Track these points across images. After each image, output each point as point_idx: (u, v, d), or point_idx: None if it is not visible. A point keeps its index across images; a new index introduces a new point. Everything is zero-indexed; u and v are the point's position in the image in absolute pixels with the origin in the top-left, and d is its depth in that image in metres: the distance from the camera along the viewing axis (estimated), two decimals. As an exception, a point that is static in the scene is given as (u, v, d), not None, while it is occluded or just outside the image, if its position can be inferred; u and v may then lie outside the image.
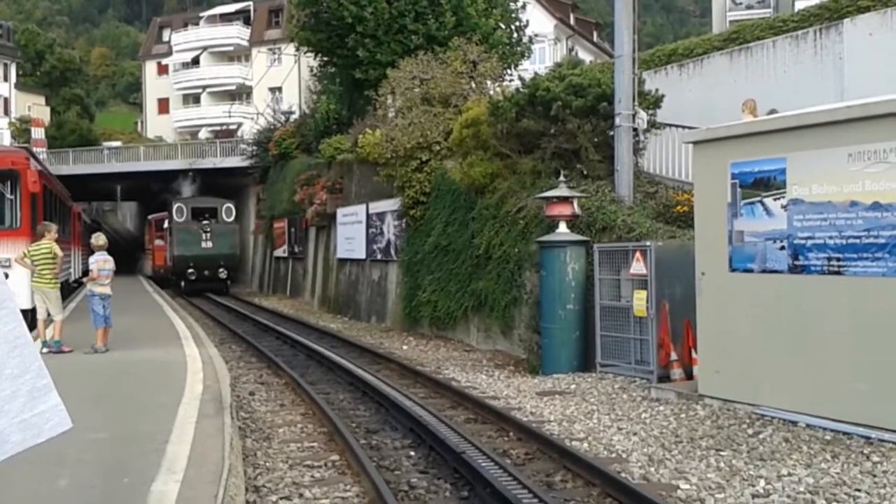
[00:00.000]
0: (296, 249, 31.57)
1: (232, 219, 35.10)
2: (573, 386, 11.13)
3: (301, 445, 8.56)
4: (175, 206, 34.44)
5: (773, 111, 13.66)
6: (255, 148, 38.67)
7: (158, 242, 39.20)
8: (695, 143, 9.69)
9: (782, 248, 8.46)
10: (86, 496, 5.30)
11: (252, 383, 12.61)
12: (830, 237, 8.05)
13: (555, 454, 7.77)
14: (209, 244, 33.75)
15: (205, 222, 33.92)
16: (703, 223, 9.41)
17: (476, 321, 16.42)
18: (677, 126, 14.02)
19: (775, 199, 8.52)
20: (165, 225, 36.30)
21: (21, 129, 54.50)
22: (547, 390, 11.00)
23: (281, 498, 6.67)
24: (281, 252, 33.70)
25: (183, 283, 33.62)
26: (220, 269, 34.07)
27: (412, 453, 8.26)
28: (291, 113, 39.35)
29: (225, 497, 5.27)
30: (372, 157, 20.49)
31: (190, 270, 33.48)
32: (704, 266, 9.33)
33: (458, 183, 16.87)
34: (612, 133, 13.52)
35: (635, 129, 13.38)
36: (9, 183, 15.09)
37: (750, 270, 8.78)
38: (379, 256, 21.95)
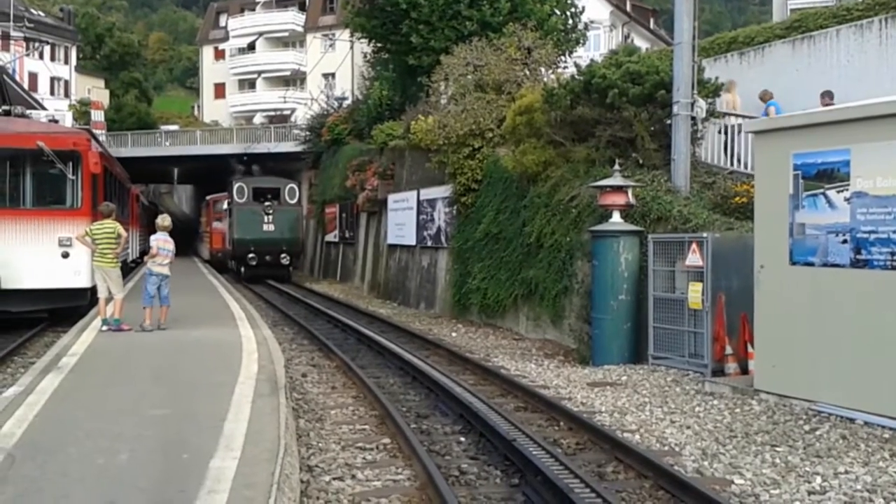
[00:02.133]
0: (346, 235, 31.80)
1: (295, 200, 32.91)
2: (624, 377, 11.05)
3: (353, 428, 8.65)
4: (236, 186, 32.23)
5: (765, 92, 14.28)
6: (308, 133, 38.95)
7: (217, 225, 37.14)
8: (756, 132, 9.52)
9: (844, 241, 8.28)
10: (146, 471, 5.42)
11: (304, 365, 12.76)
12: (895, 231, 7.86)
13: (606, 445, 7.73)
14: (271, 227, 31.42)
15: (267, 204, 31.59)
16: (763, 215, 9.24)
17: (526, 310, 16.38)
18: (736, 115, 13.78)
19: (838, 192, 8.34)
20: (225, 206, 34.44)
21: (81, 112, 55.67)
22: (598, 381, 10.94)
23: (334, 478, 6.75)
24: (332, 237, 33.94)
25: (243, 269, 31.70)
26: (283, 255, 31.59)
27: (462, 439, 8.28)
28: (344, 99, 39.57)
29: (281, 475, 5.35)
30: (424, 143, 20.49)
31: (251, 255, 31.18)
32: (764, 259, 9.17)
33: (511, 170, 16.81)
34: (669, 122, 13.34)
35: (693, 118, 13.19)
36: (70, 164, 15.42)
37: (811, 264, 8.61)
38: (429, 243, 22.01)
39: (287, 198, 32.49)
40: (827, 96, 13.58)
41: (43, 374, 8.80)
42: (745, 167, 13.29)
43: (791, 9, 28.11)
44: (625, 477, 7.00)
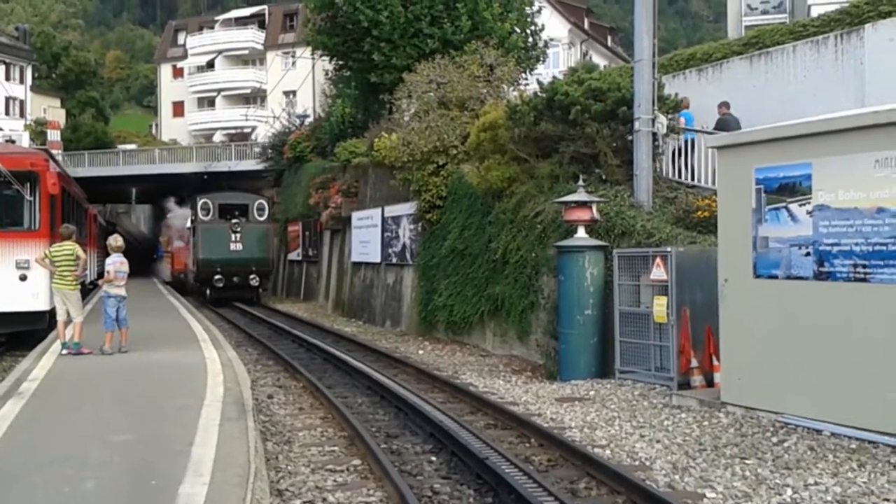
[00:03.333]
0: (310, 253, 31.58)
1: (265, 217, 30.58)
2: (592, 392, 11.08)
3: (322, 449, 8.54)
4: (200, 203, 30.06)
5: (684, 99, 14.90)
6: (269, 151, 38.76)
7: (178, 244, 35.05)
8: (719, 147, 9.64)
9: (807, 254, 8.40)
10: (114, 498, 5.29)
11: (270, 386, 12.60)
12: (857, 244, 7.99)
13: (577, 461, 7.73)
14: (239, 246, 29.38)
15: (234, 221, 29.46)
16: (726, 229, 9.35)
17: (492, 326, 16.38)
18: (696, 131, 13.97)
19: (800, 205, 8.46)
20: (188, 224, 32.26)
21: (37, 132, 54.79)
22: (566, 396, 10.95)
23: (304, 502, 6.66)
24: (295, 255, 33.68)
25: (208, 291, 29.63)
26: (252, 276, 29.58)
27: (433, 458, 8.23)
28: (306, 116, 39.44)
29: (252, 500, 5.25)
30: (388, 160, 20.49)
31: (217, 277, 29.15)
32: (728, 272, 9.27)
33: (475, 187, 16.85)
34: (630, 138, 13.48)
35: (654, 134, 13.33)
36: (28, 184, 15.12)
37: (774, 277, 8.72)
38: (394, 260, 21.95)
39: (255, 215, 30.42)
40: (724, 106, 14.31)
41: (3, 400, 8.58)
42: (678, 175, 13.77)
43: (746, 26, 28.72)
44: (597, 493, 7.00)
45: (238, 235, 29.50)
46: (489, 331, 16.51)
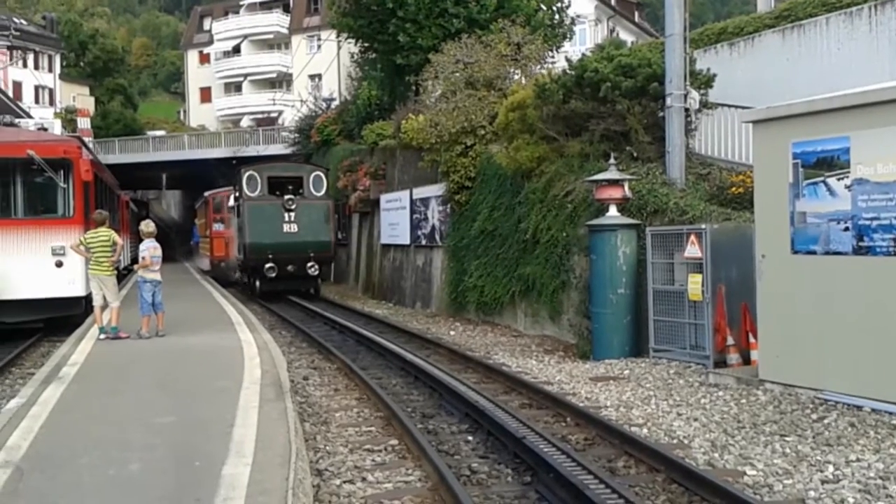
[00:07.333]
0: (339, 236, 31.62)
1: (322, 192, 25.17)
2: (626, 371, 11.04)
3: (359, 430, 8.60)
4: (246, 176, 24.53)
5: None
6: (297, 135, 38.86)
7: (218, 227, 30.51)
8: (755, 122, 9.50)
9: (846, 229, 8.28)
10: (159, 480, 5.36)
11: (305, 368, 12.69)
12: (897, 217, 7.86)
13: (615, 440, 7.71)
14: (294, 227, 24.09)
15: (287, 198, 24.04)
16: (763, 204, 9.23)
17: (523, 306, 16.36)
18: (729, 106, 13.78)
19: (839, 179, 8.34)
20: (231, 203, 27.54)
21: (67, 119, 55.29)
22: (600, 376, 10.92)
23: (344, 482, 6.70)
24: (324, 238, 33.66)
25: (258, 283, 24.61)
26: (310, 263, 24.21)
27: (470, 438, 8.25)
28: (332, 100, 39.46)
29: (295, 480, 5.30)
30: (415, 142, 20.45)
31: (268, 265, 23.78)
32: (765, 248, 9.17)
33: (504, 167, 16.78)
34: (662, 114, 13.33)
35: (686, 110, 13.18)
36: (61, 171, 15.30)
37: (813, 252, 8.61)
38: (423, 242, 21.96)
39: (312, 189, 25.05)
40: None
41: (44, 384, 8.71)
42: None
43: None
44: (636, 471, 6.98)
45: (292, 215, 24.23)
46: (520, 311, 16.49)
